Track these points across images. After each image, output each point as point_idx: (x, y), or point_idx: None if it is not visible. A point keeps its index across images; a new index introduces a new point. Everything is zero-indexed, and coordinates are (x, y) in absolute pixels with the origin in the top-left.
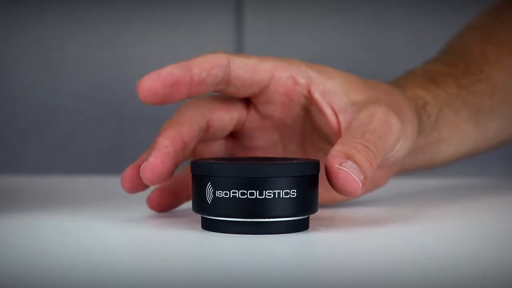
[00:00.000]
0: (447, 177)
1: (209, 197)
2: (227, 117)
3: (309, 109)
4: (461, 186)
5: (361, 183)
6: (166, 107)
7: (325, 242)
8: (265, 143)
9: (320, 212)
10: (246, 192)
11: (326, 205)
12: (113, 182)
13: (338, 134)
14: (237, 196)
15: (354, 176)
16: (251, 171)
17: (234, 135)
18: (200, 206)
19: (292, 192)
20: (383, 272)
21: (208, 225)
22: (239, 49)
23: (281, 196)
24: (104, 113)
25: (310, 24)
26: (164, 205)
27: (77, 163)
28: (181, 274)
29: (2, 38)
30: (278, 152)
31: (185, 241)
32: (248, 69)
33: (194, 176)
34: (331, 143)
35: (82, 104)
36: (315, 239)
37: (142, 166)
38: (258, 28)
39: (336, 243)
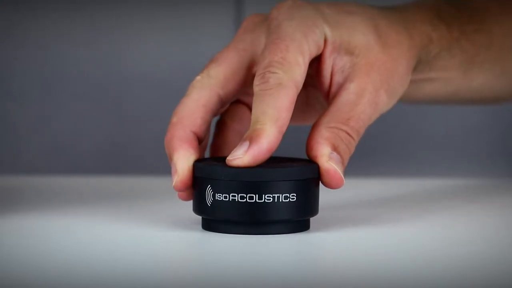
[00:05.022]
0: (448, 178)
1: (208, 200)
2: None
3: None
4: (462, 187)
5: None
6: (165, 107)
7: (325, 243)
8: None
9: (320, 213)
10: (245, 196)
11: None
12: (113, 182)
13: (326, 95)
14: (237, 200)
15: (341, 174)
16: (251, 174)
17: None
18: (200, 208)
19: (292, 196)
20: (383, 272)
21: (208, 226)
22: None
23: (280, 200)
24: (104, 113)
25: None
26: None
27: (77, 163)
28: (181, 274)
29: (2, 38)
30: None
31: (185, 241)
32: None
33: (195, 178)
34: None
35: (82, 104)
36: (315, 240)
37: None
38: None
39: (336, 244)
